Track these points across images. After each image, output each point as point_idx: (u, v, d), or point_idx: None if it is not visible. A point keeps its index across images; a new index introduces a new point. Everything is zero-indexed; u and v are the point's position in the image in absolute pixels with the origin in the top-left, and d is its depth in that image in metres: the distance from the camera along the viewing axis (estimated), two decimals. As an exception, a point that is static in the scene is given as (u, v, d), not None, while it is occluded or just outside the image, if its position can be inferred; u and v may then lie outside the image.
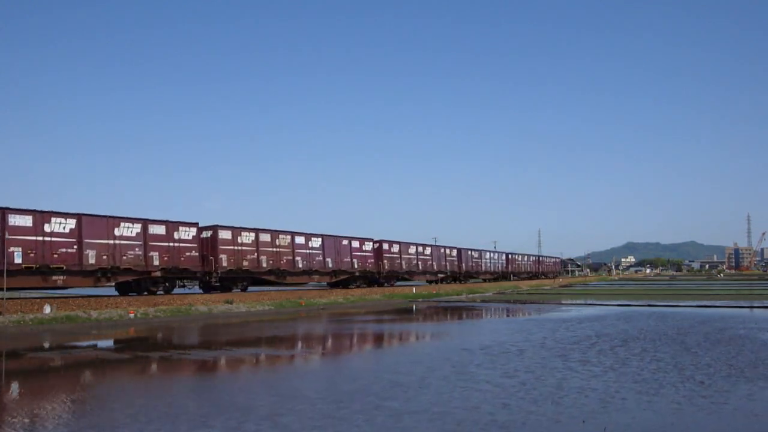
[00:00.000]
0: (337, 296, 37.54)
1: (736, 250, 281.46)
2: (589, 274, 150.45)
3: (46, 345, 18.49)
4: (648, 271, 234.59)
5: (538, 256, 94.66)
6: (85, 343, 18.74)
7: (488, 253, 69.84)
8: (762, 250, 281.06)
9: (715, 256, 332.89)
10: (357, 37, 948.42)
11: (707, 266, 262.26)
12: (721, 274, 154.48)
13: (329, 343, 18.07)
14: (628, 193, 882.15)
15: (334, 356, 15.24)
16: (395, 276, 48.17)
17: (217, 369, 13.22)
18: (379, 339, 19.05)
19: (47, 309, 23.59)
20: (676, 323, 21.36)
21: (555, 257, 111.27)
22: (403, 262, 48.24)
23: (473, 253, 64.12)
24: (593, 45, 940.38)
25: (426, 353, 14.98)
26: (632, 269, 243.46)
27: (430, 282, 54.53)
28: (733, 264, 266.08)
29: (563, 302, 37.01)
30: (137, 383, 11.50)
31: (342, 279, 41.76)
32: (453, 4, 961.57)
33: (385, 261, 45.57)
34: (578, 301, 37.65)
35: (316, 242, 38.74)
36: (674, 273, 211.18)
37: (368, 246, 44.22)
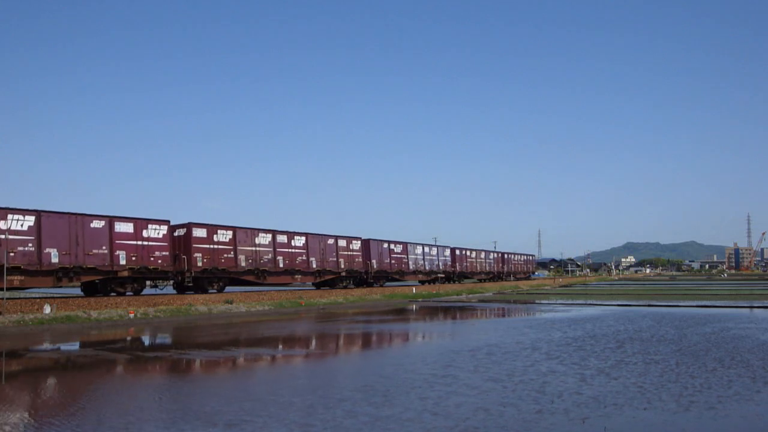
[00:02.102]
0: (337, 296, 37.52)
1: (736, 250, 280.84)
2: (589, 274, 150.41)
3: (46, 345, 18.23)
4: (648, 271, 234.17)
5: (502, 253, 74.66)
6: (84, 343, 18.43)
7: (420, 248, 51.73)
8: (762, 250, 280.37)
9: (715, 256, 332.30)
10: (357, 37, 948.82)
11: (707, 266, 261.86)
12: (725, 274, 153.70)
13: (318, 344, 17.63)
14: (628, 193, 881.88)
15: (320, 358, 14.84)
16: (223, 277, 33.08)
17: (201, 371, 12.85)
18: (368, 340, 18.60)
19: (47, 309, 23.56)
20: (674, 324, 20.88)
21: (527, 254, 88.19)
22: (242, 257, 33.23)
23: (393, 246, 47.33)
24: (593, 45, 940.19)
25: (412, 355, 14.57)
26: (632, 269, 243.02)
27: (317, 286, 41.45)
28: (734, 264, 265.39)
29: (562, 302, 36.49)
30: (116, 385, 11.03)
31: (91, 281, 27.52)
32: (453, 4, 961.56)
33: (197, 254, 30.77)
34: (577, 302, 37.15)
35: (22, 224, 24.31)
36: (674, 273, 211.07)
37: (158, 232, 29.41)
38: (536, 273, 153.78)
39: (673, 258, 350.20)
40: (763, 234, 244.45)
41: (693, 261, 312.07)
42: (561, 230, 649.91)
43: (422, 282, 52.74)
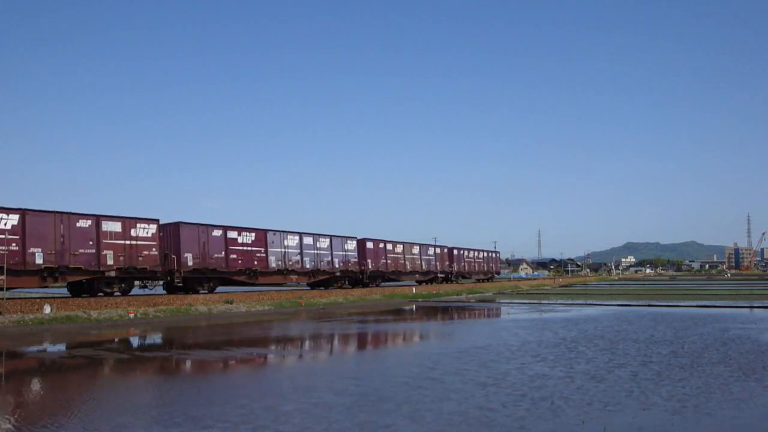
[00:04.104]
0: (337, 296, 37.46)
1: (736, 250, 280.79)
2: (589, 274, 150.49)
3: (45, 345, 18.03)
4: (648, 271, 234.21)
5: (450, 249, 57.91)
6: (82, 343, 18.15)
7: (295, 238, 37.51)
8: (762, 250, 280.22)
9: (715, 256, 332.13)
10: (357, 37, 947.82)
11: (707, 266, 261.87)
12: (728, 274, 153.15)
13: (307, 345, 17.26)
14: (628, 193, 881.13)
15: (306, 360, 14.51)
16: None
17: (190, 373, 12.61)
18: (356, 342, 18.10)
19: (47, 309, 23.57)
20: (672, 324, 20.43)
21: (488, 250, 68.58)
22: None
23: (236, 235, 33.29)
24: (593, 45, 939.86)
25: (396, 357, 14.19)
26: (632, 269, 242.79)
27: (72, 292, 28.44)
28: (734, 264, 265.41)
29: (561, 302, 36.12)
30: (98, 387, 10.71)
31: None
32: (453, 4, 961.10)
33: None
34: (577, 302, 36.75)
35: None
36: (674, 273, 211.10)
37: None
38: (536, 273, 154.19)
39: (673, 258, 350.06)
40: (763, 234, 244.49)
41: (693, 261, 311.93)
42: (561, 230, 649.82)
43: (311, 285, 41.00)
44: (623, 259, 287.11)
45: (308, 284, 40.72)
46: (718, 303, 32.47)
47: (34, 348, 17.63)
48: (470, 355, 13.54)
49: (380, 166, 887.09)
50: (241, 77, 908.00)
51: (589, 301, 36.83)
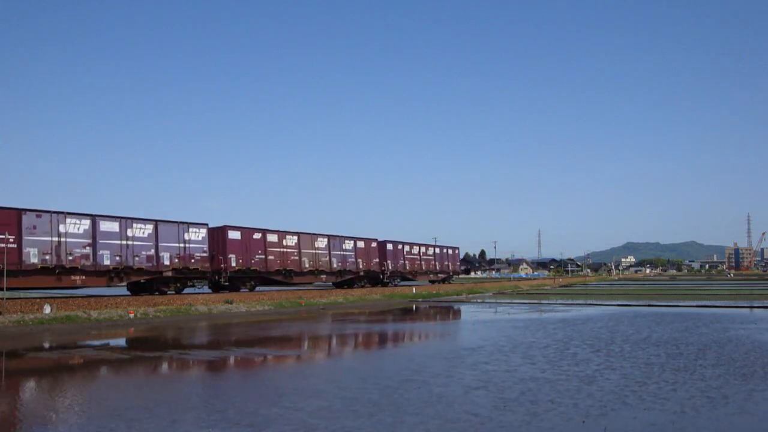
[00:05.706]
0: (337, 296, 37.13)
1: (736, 250, 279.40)
2: (589, 274, 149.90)
3: (45, 345, 17.77)
4: (648, 271, 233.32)
5: (383, 242, 45.12)
6: (83, 343, 17.97)
7: (74, 222, 25.79)
8: (762, 250, 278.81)
9: (715, 256, 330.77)
10: (357, 37, 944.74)
11: (707, 266, 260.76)
12: (731, 273, 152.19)
13: (297, 349, 17.01)
14: (628, 193, 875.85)
15: (291, 365, 14.22)
16: None
17: (178, 374, 12.34)
18: (346, 344, 17.65)
19: (47, 309, 23.33)
20: (671, 324, 20.04)
21: (446, 246, 55.68)
22: None
23: None
24: (593, 45, 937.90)
25: (383, 359, 13.89)
26: (632, 269, 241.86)
27: None
28: (733, 264, 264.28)
29: (561, 302, 35.73)
30: (83, 392, 10.46)
31: None
32: (453, 4, 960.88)
33: None
34: (577, 302, 36.34)
35: None
36: (674, 273, 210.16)
37: None
38: (536, 273, 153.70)
39: (673, 258, 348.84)
40: (763, 234, 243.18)
41: (693, 261, 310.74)
42: (561, 230, 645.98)
43: (131, 290, 30.43)
44: (623, 259, 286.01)
45: (127, 287, 29.85)
46: (717, 303, 32.05)
47: (32, 348, 17.35)
48: (460, 357, 13.16)
49: (380, 166, 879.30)
50: (241, 77, 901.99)
51: (588, 301, 36.43)
